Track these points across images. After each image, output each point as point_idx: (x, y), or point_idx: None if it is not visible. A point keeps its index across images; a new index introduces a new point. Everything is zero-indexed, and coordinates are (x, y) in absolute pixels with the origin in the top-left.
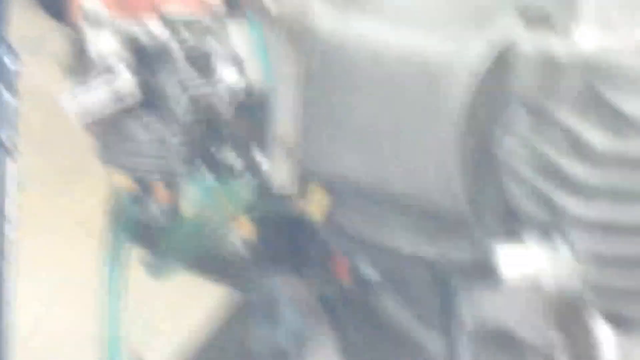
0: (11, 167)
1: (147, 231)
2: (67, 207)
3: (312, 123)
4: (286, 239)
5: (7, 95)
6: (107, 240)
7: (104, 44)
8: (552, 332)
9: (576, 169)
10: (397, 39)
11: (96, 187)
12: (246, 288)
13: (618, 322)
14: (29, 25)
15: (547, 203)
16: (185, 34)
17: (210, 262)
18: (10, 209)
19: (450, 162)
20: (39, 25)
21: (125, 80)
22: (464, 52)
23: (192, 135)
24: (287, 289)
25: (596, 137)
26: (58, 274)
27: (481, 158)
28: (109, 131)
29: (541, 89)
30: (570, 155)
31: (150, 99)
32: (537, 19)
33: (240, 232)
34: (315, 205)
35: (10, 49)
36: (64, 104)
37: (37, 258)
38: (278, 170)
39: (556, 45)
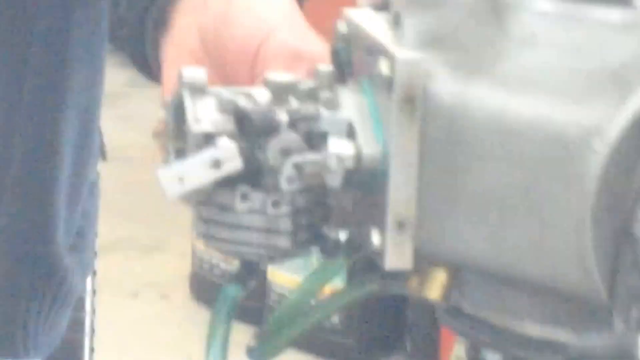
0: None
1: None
2: (145, 273)
3: (430, 196)
4: (391, 318)
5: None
6: (213, 320)
7: (203, 110)
8: None
9: None
10: (527, 107)
11: (172, 258)
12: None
13: None
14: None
15: None
16: (291, 99)
17: (314, 340)
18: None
19: (585, 242)
20: (120, 79)
21: (225, 148)
22: (601, 123)
23: (296, 205)
24: None
25: None
26: (135, 334)
27: (621, 238)
28: (206, 203)
29: None
30: None
31: (251, 168)
32: None
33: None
34: (432, 284)
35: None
36: (158, 174)
37: (115, 320)
38: (391, 247)
39: None
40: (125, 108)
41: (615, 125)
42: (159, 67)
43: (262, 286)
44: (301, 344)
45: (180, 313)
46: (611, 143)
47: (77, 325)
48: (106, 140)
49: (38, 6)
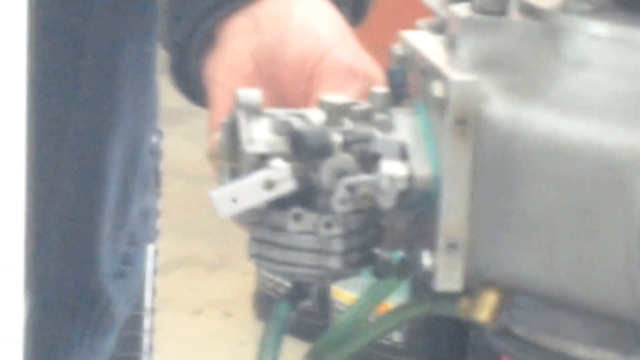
0: (151, 254)
1: (303, 328)
2: (208, 292)
3: (482, 218)
4: (446, 340)
5: (153, 179)
6: (264, 338)
7: (257, 132)
8: None
9: None
10: (579, 131)
11: (236, 276)
12: None
13: None
14: (172, 95)
15: None
16: (345, 121)
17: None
18: (148, 297)
19: (634, 266)
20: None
21: (279, 169)
22: None
23: (348, 227)
24: None
25: None
26: (198, 352)
27: None
28: (259, 223)
29: None
30: None
31: (304, 189)
32: None
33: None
34: (482, 306)
35: (156, 129)
36: (211, 194)
37: (178, 337)
38: (441, 268)
39: None
40: (189, 125)
41: None
42: (201, 86)
43: (326, 305)
44: None
45: (243, 331)
46: None
47: (134, 343)
48: (171, 158)
49: (88, 28)
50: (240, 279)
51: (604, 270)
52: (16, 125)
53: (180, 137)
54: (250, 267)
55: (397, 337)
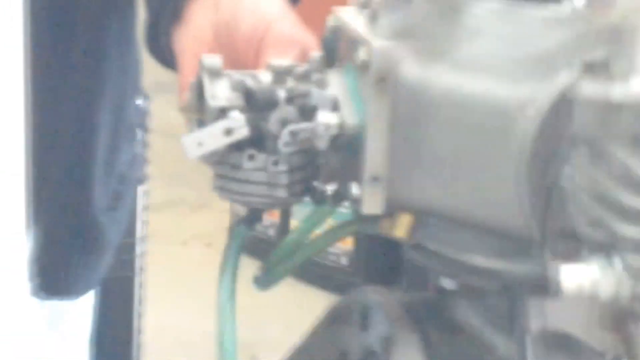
0: (141, 193)
1: (259, 245)
2: (192, 227)
3: (399, 157)
4: (383, 262)
5: (139, 133)
6: (225, 254)
7: (218, 90)
8: (607, 334)
9: (628, 198)
10: (476, 86)
11: (215, 213)
12: (345, 295)
13: None
14: (161, 71)
15: (603, 227)
16: (288, 80)
17: (315, 271)
18: (139, 228)
19: (520, 191)
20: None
21: (236, 119)
22: (532, 97)
23: (292, 164)
24: (377, 297)
25: None
26: (182, 280)
27: (547, 187)
28: (220, 162)
29: (599, 128)
30: (623, 186)
31: (256, 135)
32: (599, 70)
33: (341, 245)
34: (399, 226)
35: (143, 93)
36: (182, 140)
37: (167, 264)
38: (366, 196)
39: (614, 91)
40: (173, 94)
41: (544, 98)
42: (171, 54)
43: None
44: (315, 282)
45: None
46: (542, 112)
47: (127, 265)
48: (159, 120)
49: (80, 6)
50: (218, 216)
51: (497, 193)
52: (17, 84)
53: (166, 103)
54: (226, 206)
55: (344, 260)
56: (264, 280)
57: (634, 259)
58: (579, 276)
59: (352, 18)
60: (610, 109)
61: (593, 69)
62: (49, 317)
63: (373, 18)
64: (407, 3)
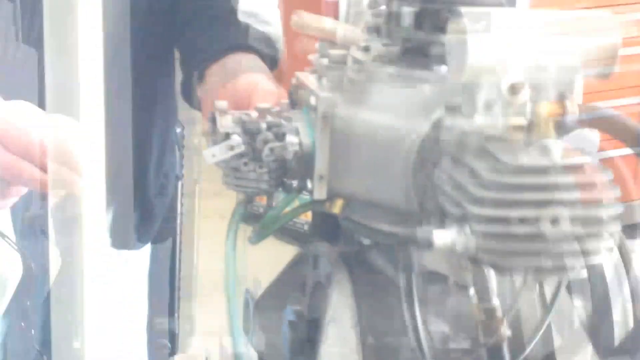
0: (179, 185)
1: (253, 217)
2: (211, 207)
3: (335, 164)
4: (325, 222)
5: (177, 148)
6: (229, 223)
7: (225, 122)
8: (463, 272)
9: (474, 189)
10: (380, 121)
11: (226, 198)
12: (305, 248)
13: (498, 269)
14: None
15: (459, 207)
16: (268, 116)
17: (287, 233)
18: (178, 207)
19: (408, 185)
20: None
21: (236, 140)
22: (415, 127)
23: (270, 168)
24: (324, 249)
25: (485, 172)
26: (206, 238)
27: (425, 182)
28: (226, 166)
29: (456, 146)
30: (472, 182)
31: (248, 150)
32: (456, 111)
33: (304, 217)
34: (335, 206)
35: (180, 124)
36: (203, 153)
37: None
38: (316, 188)
39: (465, 123)
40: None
41: (423, 127)
42: (197, 101)
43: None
44: (288, 240)
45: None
46: (421, 136)
47: (171, 229)
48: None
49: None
50: (227, 200)
51: (394, 186)
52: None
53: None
54: (232, 193)
55: (306, 227)
56: (255, 239)
57: (477, 226)
58: (444, 237)
59: (306, 78)
60: (462, 134)
61: (453, 110)
62: (123, 260)
63: (319, 78)
64: (340, 69)
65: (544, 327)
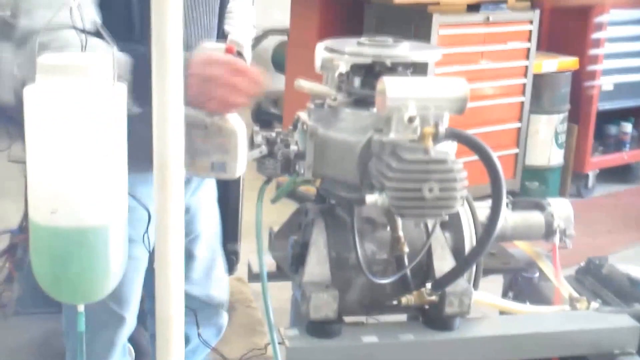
0: None
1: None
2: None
3: (316, 159)
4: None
5: None
6: (259, 192)
7: (258, 139)
8: (385, 217)
9: (388, 172)
10: (343, 137)
11: (258, 178)
12: (302, 205)
13: (401, 216)
14: None
15: (381, 181)
16: (282, 135)
17: (298, 197)
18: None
19: (355, 172)
20: None
21: (263, 147)
22: (360, 140)
23: (282, 163)
24: (311, 205)
25: (393, 163)
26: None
27: (365, 169)
28: (258, 161)
29: (380, 150)
30: (386, 169)
31: (270, 153)
32: (382, 131)
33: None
34: (316, 182)
35: None
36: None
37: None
38: (306, 172)
39: (384, 137)
40: None
41: (363, 140)
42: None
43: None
44: (296, 200)
45: None
46: (362, 144)
47: (236, 184)
48: None
49: None
50: (259, 179)
51: (347, 172)
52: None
53: None
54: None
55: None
56: (274, 200)
57: (389, 193)
58: (373, 198)
59: (302, 115)
60: (383, 144)
61: (379, 131)
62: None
63: (309, 115)
64: (320, 110)
65: (427, 247)
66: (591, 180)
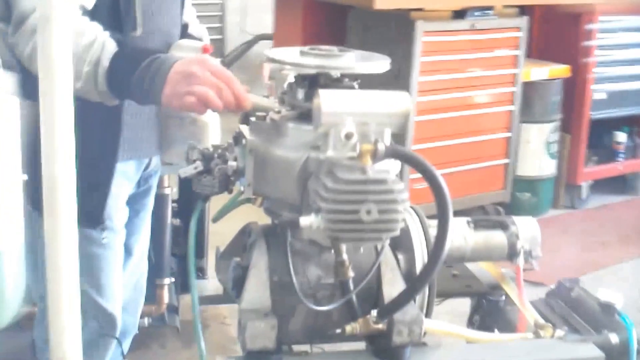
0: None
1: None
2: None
3: (256, 176)
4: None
5: None
6: (194, 211)
7: (194, 154)
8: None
9: (323, 194)
10: (282, 152)
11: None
12: (245, 225)
13: (337, 240)
14: None
15: (318, 202)
16: (220, 150)
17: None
18: None
19: (295, 187)
20: None
21: (198, 164)
22: (299, 157)
23: (219, 180)
24: (254, 226)
25: (329, 183)
26: None
27: (305, 187)
28: (194, 178)
29: (316, 168)
30: (322, 189)
31: (206, 169)
32: (319, 148)
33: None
34: (258, 201)
35: None
36: (179, 172)
37: None
38: (246, 191)
39: (322, 155)
40: None
41: (302, 158)
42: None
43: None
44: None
45: None
46: (301, 162)
47: None
48: None
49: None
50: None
51: (290, 189)
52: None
53: None
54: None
55: None
56: (215, 219)
57: (324, 215)
58: (308, 220)
59: (244, 129)
60: (320, 162)
61: (316, 148)
62: None
63: (250, 130)
64: (261, 124)
65: (373, 271)
66: (585, 191)
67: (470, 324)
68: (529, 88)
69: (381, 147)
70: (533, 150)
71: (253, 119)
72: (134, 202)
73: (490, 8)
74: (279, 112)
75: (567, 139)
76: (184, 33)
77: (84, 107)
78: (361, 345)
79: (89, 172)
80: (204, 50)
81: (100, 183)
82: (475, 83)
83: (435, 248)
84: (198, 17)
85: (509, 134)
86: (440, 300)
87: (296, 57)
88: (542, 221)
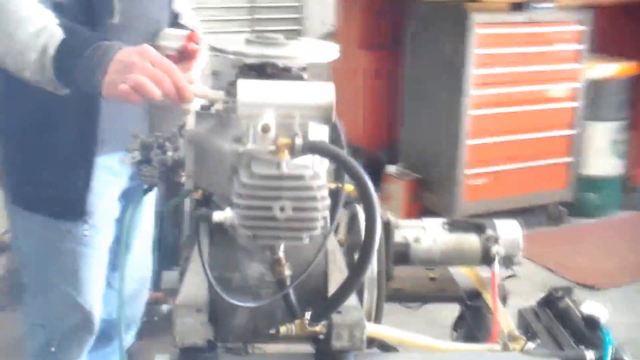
0: None
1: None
2: None
3: (198, 168)
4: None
5: None
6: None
7: (135, 144)
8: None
9: (237, 189)
10: (221, 144)
11: None
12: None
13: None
14: None
15: (232, 194)
16: (160, 139)
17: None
18: None
19: (228, 184)
20: None
21: (135, 154)
22: (231, 150)
23: (160, 170)
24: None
25: (243, 177)
26: None
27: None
28: (137, 168)
29: (236, 161)
30: (236, 183)
31: (145, 159)
32: (240, 140)
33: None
34: (198, 193)
35: None
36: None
37: None
38: (187, 183)
39: (240, 148)
40: None
41: (233, 151)
42: None
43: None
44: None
45: None
46: (234, 154)
47: None
48: None
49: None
50: None
51: (224, 181)
52: None
53: None
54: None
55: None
56: (165, 212)
57: (237, 210)
58: (222, 214)
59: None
60: (240, 156)
61: (239, 140)
62: None
63: (196, 122)
64: (206, 115)
65: (311, 266)
66: None
67: (454, 331)
68: (593, 85)
69: (298, 141)
70: (598, 149)
71: (198, 109)
72: (129, 196)
73: (550, 0)
74: (226, 102)
75: (635, 139)
76: (175, 23)
77: (58, 99)
78: (310, 348)
79: (66, 164)
80: (189, 38)
81: (80, 177)
82: (535, 77)
83: (363, 250)
84: (273, 5)
85: (572, 132)
86: (418, 305)
87: (239, 46)
88: (606, 223)
